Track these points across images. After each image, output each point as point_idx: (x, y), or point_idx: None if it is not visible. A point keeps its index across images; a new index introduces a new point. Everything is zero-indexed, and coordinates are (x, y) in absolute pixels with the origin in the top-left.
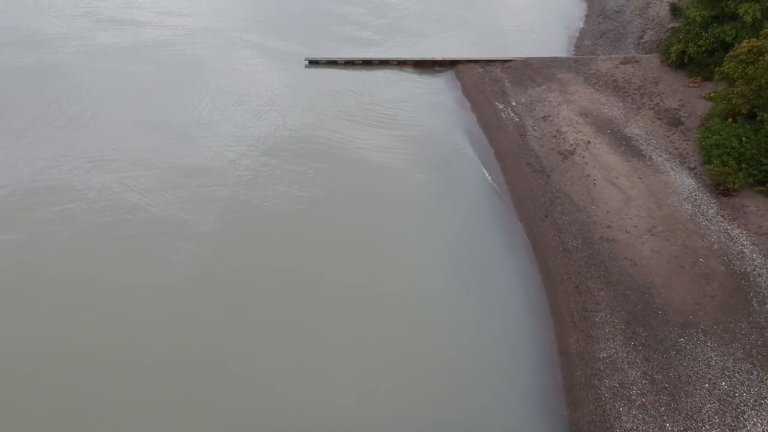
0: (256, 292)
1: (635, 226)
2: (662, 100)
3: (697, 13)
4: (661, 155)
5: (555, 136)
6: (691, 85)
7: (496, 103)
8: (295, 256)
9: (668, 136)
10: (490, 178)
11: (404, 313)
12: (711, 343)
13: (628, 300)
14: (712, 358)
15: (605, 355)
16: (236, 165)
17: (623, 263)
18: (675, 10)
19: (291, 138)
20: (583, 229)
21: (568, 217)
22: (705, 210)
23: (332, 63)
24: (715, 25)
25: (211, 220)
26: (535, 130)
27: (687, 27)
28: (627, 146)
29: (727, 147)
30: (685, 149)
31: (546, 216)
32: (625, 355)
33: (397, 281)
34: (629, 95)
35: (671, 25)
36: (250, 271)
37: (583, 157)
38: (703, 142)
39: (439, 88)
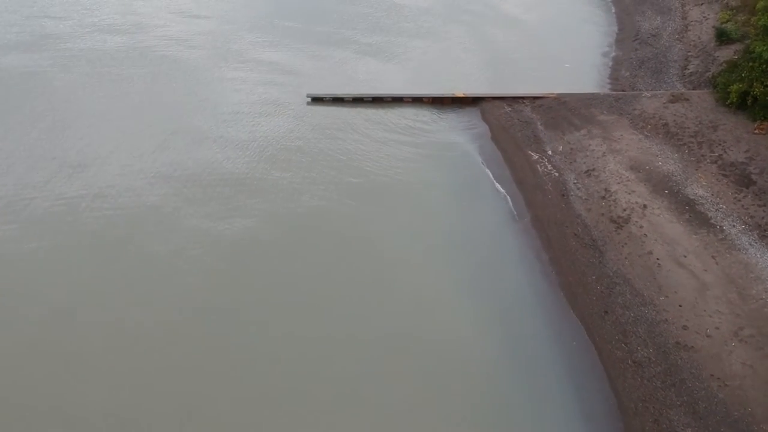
0: None
1: (717, 328)
2: (725, 151)
3: (765, 48)
4: (734, 225)
5: (604, 198)
6: (757, 131)
7: (530, 152)
8: None
9: (739, 200)
10: (532, 256)
11: None
12: None
13: None
14: None
15: None
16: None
17: (710, 384)
18: (721, 35)
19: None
20: (653, 331)
21: (632, 313)
22: None
23: (338, 100)
24: None
25: None
26: (578, 188)
27: (751, 63)
28: (691, 212)
29: None
30: (763, 218)
31: (606, 312)
32: None
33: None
34: (685, 144)
35: (718, 53)
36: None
37: (641, 226)
38: None
39: (462, 131)
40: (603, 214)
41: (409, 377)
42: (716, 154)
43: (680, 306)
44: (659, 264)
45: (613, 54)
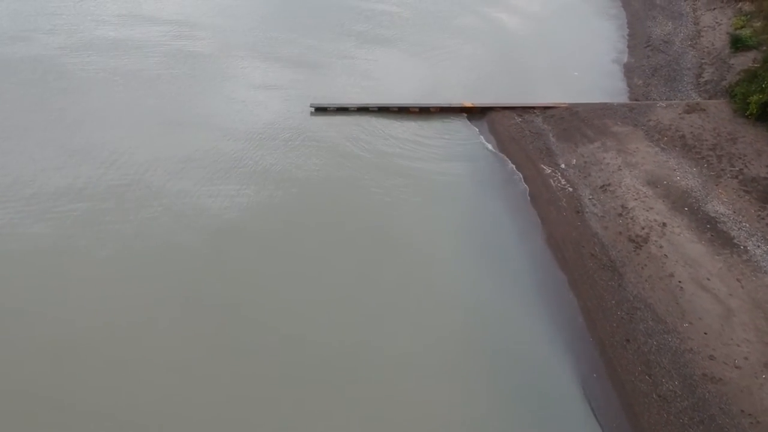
0: None
1: (746, 358)
2: (746, 166)
3: None
4: (758, 245)
5: (621, 215)
6: None
7: (542, 165)
8: None
9: (763, 218)
10: (549, 278)
11: None
12: None
13: None
14: None
15: None
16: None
17: (741, 421)
18: (737, 42)
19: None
20: (678, 361)
21: (655, 341)
22: None
23: (342, 110)
24: None
25: None
26: (594, 204)
27: None
28: (713, 231)
29: None
30: None
31: (627, 340)
32: None
33: None
34: (703, 157)
35: (733, 61)
36: None
37: (661, 246)
38: None
39: (470, 143)
40: (621, 233)
41: (416, 399)
42: (737, 169)
43: (705, 334)
44: (681, 287)
45: (625, 61)
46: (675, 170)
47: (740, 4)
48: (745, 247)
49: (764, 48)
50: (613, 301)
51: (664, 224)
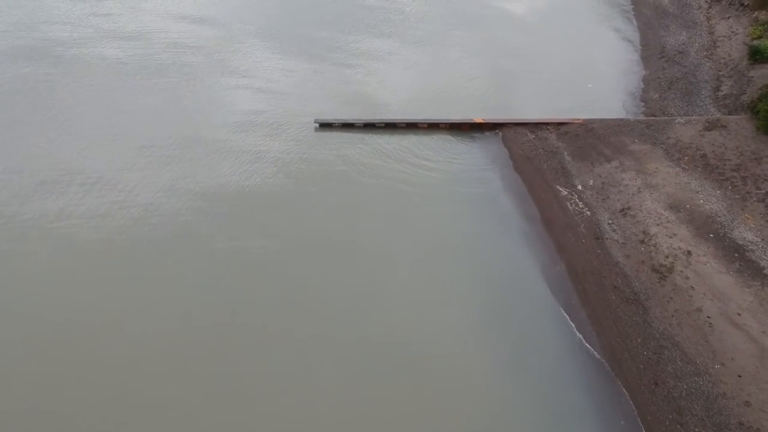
0: None
1: None
2: None
3: None
4: None
5: (643, 242)
6: None
7: (558, 187)
8: None
9: None
10: (566, 313)
11: None
12: None
13: None
14: None
15: None
16: None
17: None
18: (755, 54)
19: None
20: (711, 408)
21: (685, 385)
22: None
23: (348, 126)
24: None
25: None
26: (614, 230)
27: None
28: (741, 260)
29: None
30: None
31: (656, 384)
32: None
33: None
34: (727, 179)
35: (752, 73)
36: None
37: (687, 277)
38: None
39: (484, 162)
40: (643, 262)
41: None
42: (763, 192)
43: (739, 376)
44: (711, 324)
45: (639, 73)
46: (698, 193)
47: (756, 13)
48: None
49: None
50: (639, 340)
51: (689, 252)
